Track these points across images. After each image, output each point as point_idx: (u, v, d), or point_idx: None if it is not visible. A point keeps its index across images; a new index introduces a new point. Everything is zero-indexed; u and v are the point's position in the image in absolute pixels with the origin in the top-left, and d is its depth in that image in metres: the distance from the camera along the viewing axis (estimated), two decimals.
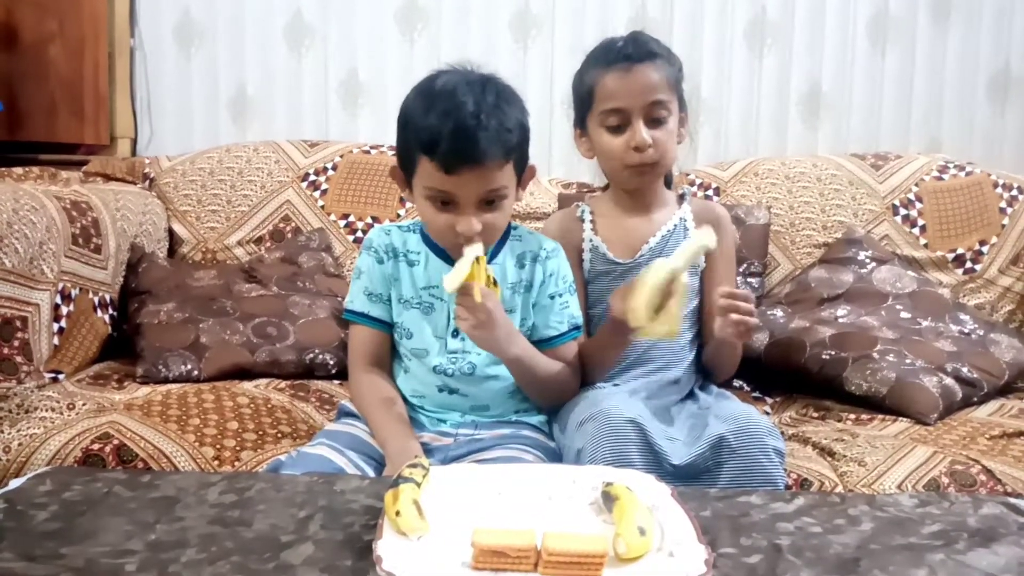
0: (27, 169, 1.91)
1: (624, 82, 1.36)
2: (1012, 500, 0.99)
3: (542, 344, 1.34)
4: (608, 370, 1.39)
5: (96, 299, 1.69)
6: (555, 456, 1.28)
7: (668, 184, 1.52)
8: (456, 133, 1.16)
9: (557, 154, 2.28)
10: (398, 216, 2.00)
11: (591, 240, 1.46)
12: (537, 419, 1.36)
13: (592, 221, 1.47)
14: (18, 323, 1.45)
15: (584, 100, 1.42)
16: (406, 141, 1.24)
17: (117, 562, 0.80)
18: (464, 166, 1.17)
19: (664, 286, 1.17)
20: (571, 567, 0.77)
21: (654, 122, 1.37)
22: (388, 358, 1.37)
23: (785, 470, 1.23)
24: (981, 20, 2.29)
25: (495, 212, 1.23)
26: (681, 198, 1.50)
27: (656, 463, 1.14)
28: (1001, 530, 0.91)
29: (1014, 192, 2.01)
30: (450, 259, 1.33)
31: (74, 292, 1.61)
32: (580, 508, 0.92)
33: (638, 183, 1.42)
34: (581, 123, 1.45)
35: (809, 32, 2.28)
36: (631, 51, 1.37)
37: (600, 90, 1.38)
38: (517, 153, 1.24)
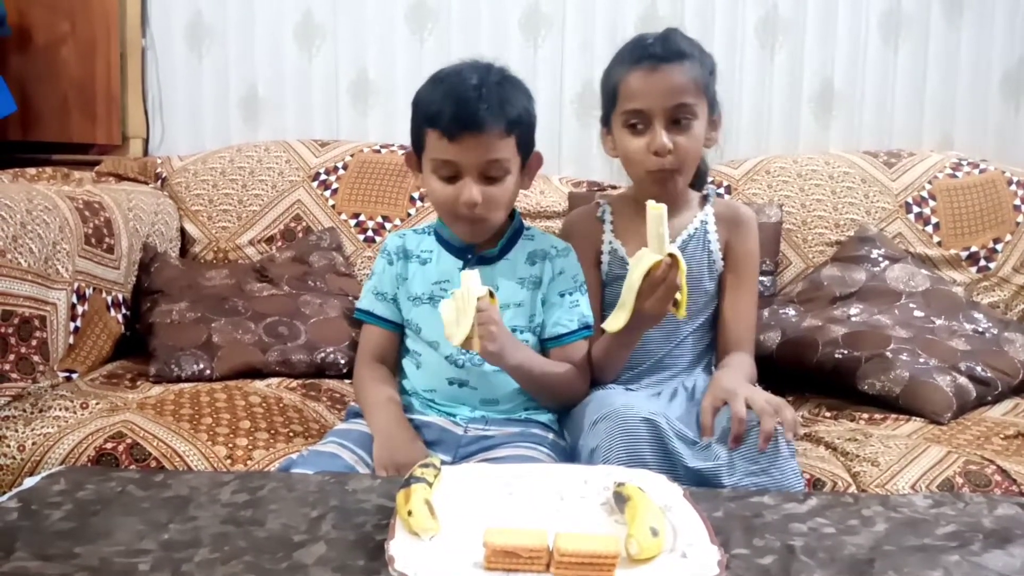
0: (40, 169, 1.92)
1: (647, 83, 1.33)
2: None
3: (551, 342, 1.35)
4: (619, 369, 1.38)
5: (109, 299, 1.70)
6: (566, 455, 1.28)
7: (701, 184, 1.49)
8: (458, 101, 1.24)
9: (567, 153, 2.27)
10: (408, 215, 2.00)
11: (611, 243, 1.44)
12: (547, 417, 1.36)
13: (612, 222, 1.46)
14: (37, 322, 1.46)
15: (609, 98, 1.40)
16: (416, 120, 1.31)
17: (130, 561, 0.81)
18: (465, 132, 1.23)
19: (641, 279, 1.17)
20: (583, 568, 0.77)
21: (677, 126, 1.33)
22: (392, 356, 1.40)
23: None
24: (994, 16, 2.26)
25: (496, 186, 1.28)
26: (705, 199, 1.47)
27: (670, 465, 1.13)
28: (1016, 531, 0.90)
29: None
30: (460, 255, 1.35)
31: (88, 292, 1.62)
32: (592, 508, 0.92)
33: (658, 190, 1.37)
34: (606, 121, 1.42)
35: (821, 28, 2.26)
36: (658, 50, 1.33)
37: (623, 89, 1.36)
38: (520, 130, 1.28)
